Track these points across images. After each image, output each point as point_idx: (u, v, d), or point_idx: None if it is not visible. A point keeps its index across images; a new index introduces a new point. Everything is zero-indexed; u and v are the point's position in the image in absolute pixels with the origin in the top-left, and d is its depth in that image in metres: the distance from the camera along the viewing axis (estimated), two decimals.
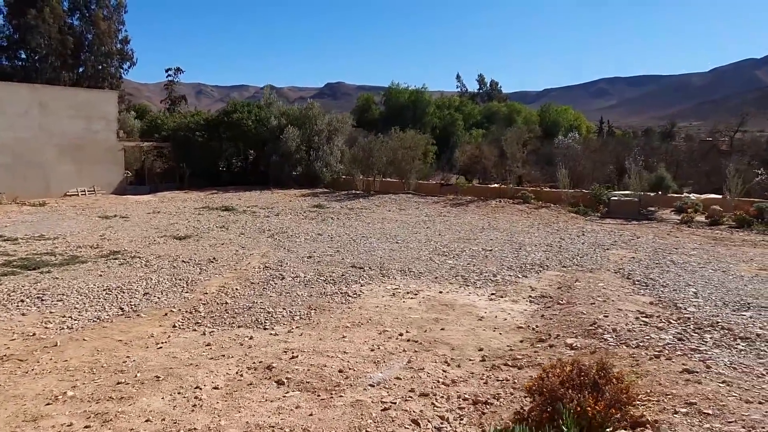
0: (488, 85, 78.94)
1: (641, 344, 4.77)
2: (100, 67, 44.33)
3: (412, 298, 7.07)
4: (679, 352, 4.45)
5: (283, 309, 6.41)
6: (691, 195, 16.46)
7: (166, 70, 40.58)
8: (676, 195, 16.40)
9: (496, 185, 20.35)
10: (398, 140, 21.19)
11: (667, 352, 4.49)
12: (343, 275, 8.16)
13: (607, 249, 10.30)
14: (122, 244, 10.69)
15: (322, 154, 23.95)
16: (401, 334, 5.62)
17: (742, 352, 4.49)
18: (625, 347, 4.76)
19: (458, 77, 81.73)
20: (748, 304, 6.32)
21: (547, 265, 8.87)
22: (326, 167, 23.70)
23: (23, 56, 40.76)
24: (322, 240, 11.25)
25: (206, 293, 7.12)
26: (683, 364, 4.08)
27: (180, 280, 7.78)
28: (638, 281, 7.68)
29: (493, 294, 7.24)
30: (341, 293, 7.19)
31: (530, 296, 7.12)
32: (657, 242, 10.99)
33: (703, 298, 6.63)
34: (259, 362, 4.76)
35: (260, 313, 6.24)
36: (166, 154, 25.43)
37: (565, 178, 17.51)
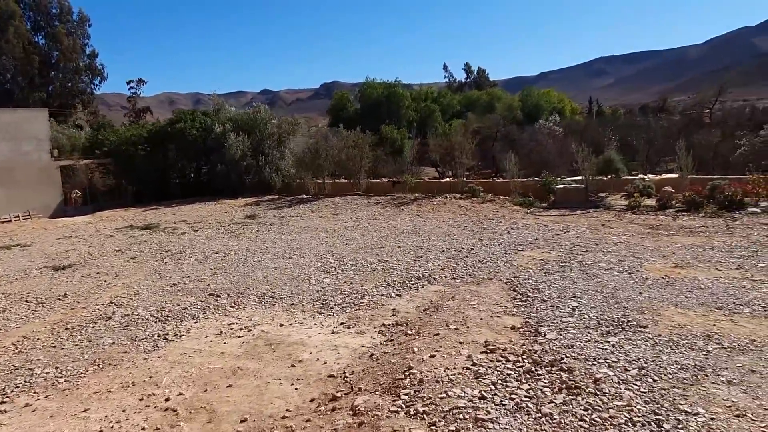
0: (476, 73, 77.53)
1: (422, 411, 3.54)
2: (69, 84, 43.56)
3: (240, 336, 5.88)
4: (452, 427, 3.22)
5: (56, 368, 5.23)
6: (646, 176, 15.15)
7: (128, 83, 39.49)
8: (630, 177, 15.08)
9: (447, 180, 19.12)
10: (342, 139, 19.94)
11: (411, 426, 3.26)
12: (186, 309, 6.98)
13: (522, 250, 9.05)
14: None
15: (272, 159, 22.76)
16: (168, 399, 4.43)
17: (541, 421, 3.24)
18: (402, 415, 3.54)
19: (445, 67, 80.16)
20: (626, 322, 5.08)
21: (435, 278, 7.64)
22: (276, 173, 22.50)
23: None
24: (213, 260, 10.07)
25: None
26: None
27: None
28: (522, 294, 6.44)
29: (342, 324, 6.04)
30: (158, 336, 6.01)
31: (384, 324, 5.90)
32: (583, 237, 9.72)
33: (578, 316, 5.39)
34: None
35: (19, 378, 5.06)
36: (113, 171, 24.32)
37: (513, 168, 16.20)
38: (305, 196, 20.17)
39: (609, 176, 14.78)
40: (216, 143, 22.81)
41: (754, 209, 10.85)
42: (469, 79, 75.91)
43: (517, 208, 14.02)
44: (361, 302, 6.77)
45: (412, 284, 7.43)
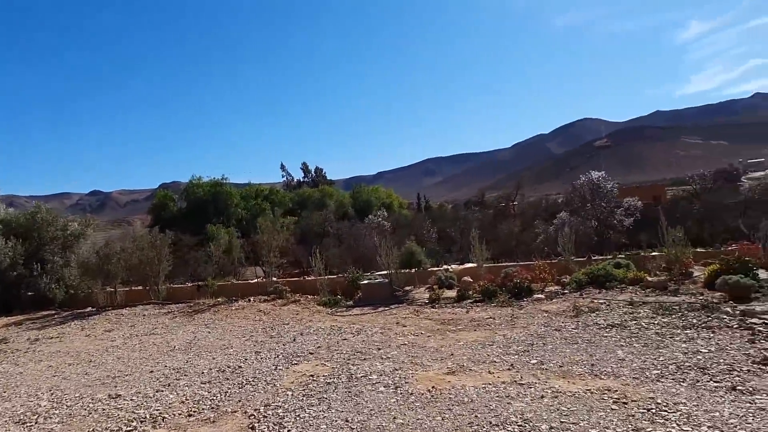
0: (313, 172, 79.13)
1: None
2: None
3: None
4: None
5: None
6: (450, 267, 15.13)
7: None
8: (435, 269, 14.90)
9: (256, 280, 17.53)
10: (135, 241, 17.52)
11: None
12: None
13: (297, 363, 7.67)
14: None
15: (52, 267, 19.21)
16: None
17: None
18: None
19: (282, 167, 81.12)
20: None
21: (164, 418, 5.85)
22: (57, 283, 18.91)
23: None
24: None
25: None
26: None
27: None
28: None
29: None
30: None
31: None
32: (371, 340, 8.69)
33: None
34: None
35: None
36: None
37: (319, 265, 15.19)
38: (90, 309, 17.07)
39: (414, 269, 14.44)
40: None
41: (539, 296, 10.90)
42: (306, 179, 77.22)
43: (320, 309, 12.82)
44: None
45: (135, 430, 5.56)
